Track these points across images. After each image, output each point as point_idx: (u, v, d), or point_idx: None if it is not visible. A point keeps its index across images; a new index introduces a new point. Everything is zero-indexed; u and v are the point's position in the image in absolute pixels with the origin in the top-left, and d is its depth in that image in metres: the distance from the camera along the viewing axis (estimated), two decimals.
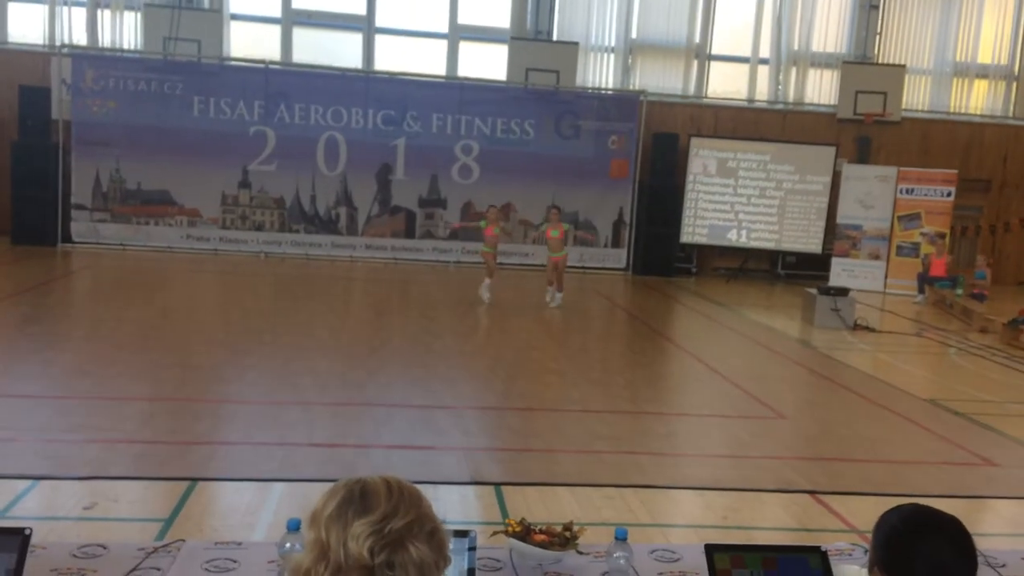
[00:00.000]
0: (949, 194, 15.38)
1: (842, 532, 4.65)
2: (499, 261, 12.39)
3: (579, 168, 15.86)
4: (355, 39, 16.26)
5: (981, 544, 4.64)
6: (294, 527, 2.12)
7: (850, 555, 2.41)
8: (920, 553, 1.74)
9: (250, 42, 15.98)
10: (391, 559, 1.48)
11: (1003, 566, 2.51)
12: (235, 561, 2.39)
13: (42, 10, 15.26)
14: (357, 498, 1.52)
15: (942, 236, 15.17)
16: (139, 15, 15.32)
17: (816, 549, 2.15)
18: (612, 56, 16.76)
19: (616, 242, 16.19)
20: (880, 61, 17.28)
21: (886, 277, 15.53)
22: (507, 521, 2.52)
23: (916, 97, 17.47)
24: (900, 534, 1.78)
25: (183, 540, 2.53)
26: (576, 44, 16.19)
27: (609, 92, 16.62)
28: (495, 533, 2.52)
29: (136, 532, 4.19)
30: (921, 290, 14.64)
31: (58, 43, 15.04)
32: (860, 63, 17.14)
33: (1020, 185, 17.60)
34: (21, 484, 4.63)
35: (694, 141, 16.24)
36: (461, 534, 2.16)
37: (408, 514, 1.51)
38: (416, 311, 11.67)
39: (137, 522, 4.42)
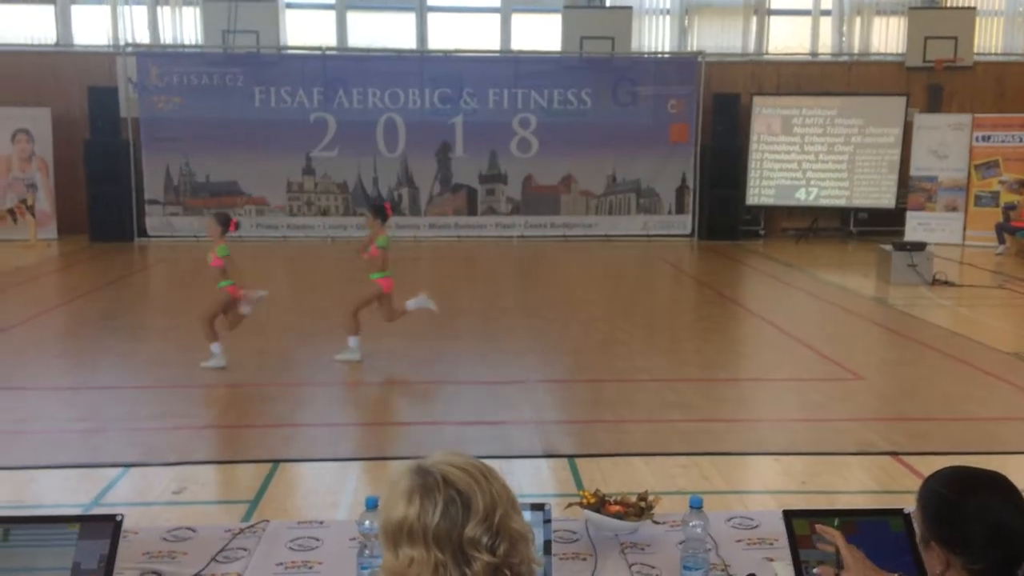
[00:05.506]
0: None
1: None
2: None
3: (639, 135, 15.64)
4: (408, 19, 16.28)
5: None
6: (372, 505, 2.16)
7: None
8: (973, 515, 1.66)
9: (306, 30, 16.14)
10: (507, 546, 1.48)
11: None
12: (318, 540, 2.46)
13: (105, 11, 15.63)
14: (457, 503, 1.47)
15: (1023, 183, 14.57)
16: (198, 10, 15.58)
17: (899, 512, 2.10)
18: (667, 18, 16.43)
19: (680, 208, 15.97)
20: (949, 4, 16.59)
21: (964, 229, 14.99)
22: (582, 493, 2.53)
23: (989, 40, 16.74)
24: (947, 501, 1.69)
25: (267, 520, 2.61)
26: (630, 8, 15.91)
27: (666, 55, 16.33)
28: (570, 505, 2.54)
29: (223, 514, 4.34)
30: (1001, 240, 14.11)
31: (122, 43, 15.42)
32: (928, 8, 16.48)
33: None
34: (113, 472, 4.82)
35: (756, 100, 15.86)
36: (537, 507, 2.17)
37: (500, 493, 1.52)
38: (481, 287, 11.72)
39: (224, 504, 4.58)
